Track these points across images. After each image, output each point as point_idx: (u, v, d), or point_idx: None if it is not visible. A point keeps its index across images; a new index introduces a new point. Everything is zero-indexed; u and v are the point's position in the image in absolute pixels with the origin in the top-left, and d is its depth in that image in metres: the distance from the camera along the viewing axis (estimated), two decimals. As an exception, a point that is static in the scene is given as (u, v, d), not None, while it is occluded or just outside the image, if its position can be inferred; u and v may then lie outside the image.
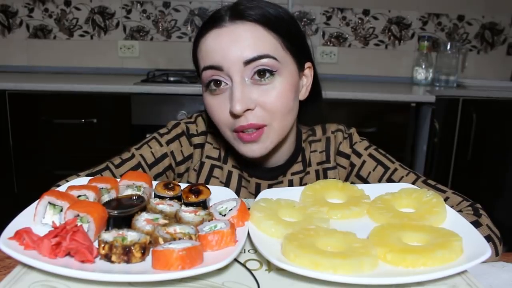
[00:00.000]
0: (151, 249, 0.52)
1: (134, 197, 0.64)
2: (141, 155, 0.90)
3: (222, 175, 0.93)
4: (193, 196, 0.66)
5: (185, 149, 0.93)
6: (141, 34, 2.69)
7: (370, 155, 0.91)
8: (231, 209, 0.62)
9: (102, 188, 0.65)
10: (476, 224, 0.75)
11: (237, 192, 0.92)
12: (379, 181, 0.90)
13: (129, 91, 2.12)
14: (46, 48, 2.67)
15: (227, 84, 0.78)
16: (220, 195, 0.69)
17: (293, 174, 0.92)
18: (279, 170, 0.92)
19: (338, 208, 0.66)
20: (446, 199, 0.83)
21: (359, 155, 0.92)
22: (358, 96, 2.18)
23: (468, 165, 2.27)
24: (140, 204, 0.62)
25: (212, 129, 0.93)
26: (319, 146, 0.95)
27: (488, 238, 0.74)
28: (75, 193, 0.61)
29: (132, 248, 0.51)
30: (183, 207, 0.63)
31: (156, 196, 0.68)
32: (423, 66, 2.63)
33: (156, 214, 0.60)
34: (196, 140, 0.93)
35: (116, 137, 2.12)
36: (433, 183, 0.87)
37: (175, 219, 0.61)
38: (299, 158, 0.93)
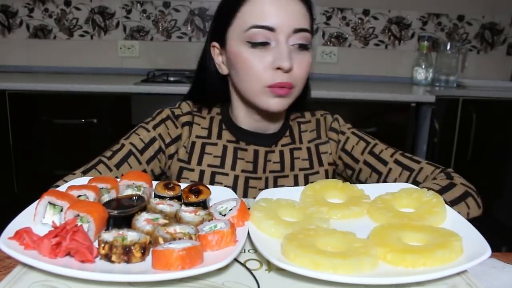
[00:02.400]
0: (151, 249, 0.52)
1: (134, 197, 0.64)
2: (130, 143, 0.94)
3: (216, 150, 0.97)
4: (193, 196, 0.66)
5: (172, 131, 0.97)
6: (141, 34, 2.69)
7: (353, 133, 1.02)
8: (231, 209, 0.62)
9: (102, 188, 0.65)
10: (451, 185, 0.84)
11: (234, 164, 0.96)
12: (362, 153, 0.98)
13: (129, 91, 2.12)
14: (46, 48, 2.67)
15: (271, 44, 0.86)
16: (220, 195, 0.70)
17: (283, 145, 1.00)
18: (273, 139, 0.99)
19: (338, 208, 0.67)
20: (420, 169, 0.92)
21: (343, 133, 1.02)
22: (358, 96, 2.18)
23: (468, 165, 2.27)
24: (140, 204, 0.62)
25: (197, 111, 1.00)
26: (310, 126, 1.04)
27: (466, 194, 0.84)
28: (75, 193, 0.61)
29: (132, 248, 0.51)
30: (183, 207, 0.63)
31: (156, 196, 0.68)
32: (423, 66, 2.63)
33: (156, 214, 0.60)
34: (184, 119, 0.98)
35: (116, 137, 2.11)
36: (409, 155, 0.97)
37: (175, 219, 0.61)
38: (287, 133, 1.02)
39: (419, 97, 2.23)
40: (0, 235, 0.53)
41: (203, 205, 0.66)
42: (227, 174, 0.95)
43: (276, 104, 0.88)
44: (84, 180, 0.70)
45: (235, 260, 0.55)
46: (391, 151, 0.97)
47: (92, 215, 0.55)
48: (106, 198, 0.64)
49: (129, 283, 0.49)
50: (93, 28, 2.67)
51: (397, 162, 0.94)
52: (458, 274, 0.52)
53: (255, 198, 0.71)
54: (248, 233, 0.59)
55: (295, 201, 0.69)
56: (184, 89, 2.09)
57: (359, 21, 2.74)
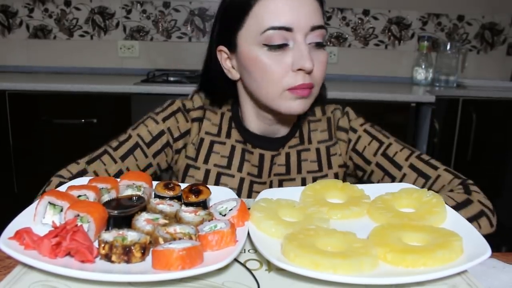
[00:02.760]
0: (151, 249, 0.52)
1: (134, 197, 0.64)
2: (138, 134, 0.92)
3: (224, 149, 0.94)
4: (193, 196, 0.66)
5: (182, 125, 0.94)
6: (141, 34, 2.69)
7: (365, 131, 0.96)
8: (231, 209, 0.62)
9: (102, 188, 0.65)
10: (467, 202, 0.80)
11: (240, 166, 0.94)
12: (374, 155, 0.93)
13: (129, 91, 2.12)
14: (46, 48, 2.67)
15: (289, 44, 0.82)
16: (220, 195, 0.69)
17: (290, 147, 0.96)
18: (280, 142, 0.96)
19: (338, 208, 0.66)
20: (437, 177, 0.87)
21: (354, 130, 0.97)
22: (358, 96, 2.18)
23: (468, 165, 2.27)
24: (140, 204, 0.62)
25: (209, 106, 0.97)
26: (320, 126, 0.98)
27: (480, 214, 0.80)
28: (75, 193, 0.61)
29: (132, 248, 0.51)
30: (183, 207, 0.63)
31: (156, 196, 0.68)
32: (423, 66, 2.63)
33: (156, 214, 0.60)
34: (194, 114, 0.95)
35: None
36: (426, 158, 0.91)
37: (175, 219, 0.61)
38: (297, 134, 0.97)
39: (419, 97, 2.23)
40: (0, 235, 0.53)
41: (203, 205, 0.66)
42: (233, 176, 0.93)
43: (298, 106, 0.84)
44: (84, 180, 0.70)
45: (235, 260, 0.55)
46: (406, 153, 0.91)
47: (92, 215, 0.55)
48: (106, 198, 0.64)
49: (129, 283, 0.49)
50: (93, 28, 2.67)
51: (412, 167, 0.89)
52: (458, 274, 0.52)
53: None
54: (248, 233, 0.58)
55: (295, 201, 0.68)
56: (183, 89, 2.11)
57: (359, 21, 2.74)
